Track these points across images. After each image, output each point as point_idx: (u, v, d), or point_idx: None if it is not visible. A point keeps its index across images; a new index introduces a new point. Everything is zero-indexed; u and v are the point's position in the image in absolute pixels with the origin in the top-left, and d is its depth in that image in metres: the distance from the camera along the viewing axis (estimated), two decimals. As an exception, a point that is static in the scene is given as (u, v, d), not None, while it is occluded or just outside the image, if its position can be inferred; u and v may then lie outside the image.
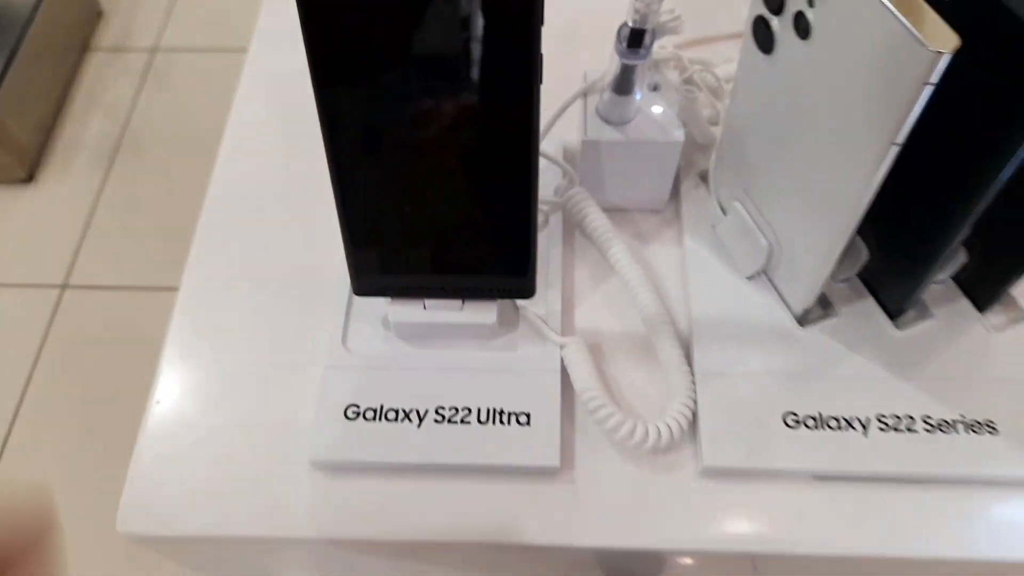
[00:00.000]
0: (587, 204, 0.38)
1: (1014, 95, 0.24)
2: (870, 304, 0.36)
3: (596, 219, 0.38)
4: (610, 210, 0.38)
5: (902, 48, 0.22)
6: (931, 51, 0.21)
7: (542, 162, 0.37)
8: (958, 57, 0.22)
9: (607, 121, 0.36)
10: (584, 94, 0.37)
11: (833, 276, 0.35)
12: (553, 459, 0.32)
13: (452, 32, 0.26)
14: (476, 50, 0.27)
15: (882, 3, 0.22)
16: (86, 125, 1.36)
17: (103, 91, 1.40)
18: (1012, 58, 0.23)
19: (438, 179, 0.31)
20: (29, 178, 1.28)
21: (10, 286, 1.20)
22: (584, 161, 0.37)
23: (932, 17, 0.22)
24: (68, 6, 1.39)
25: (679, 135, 0.36)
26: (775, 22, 0.28)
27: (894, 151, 0.25)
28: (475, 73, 0.27)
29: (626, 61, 0.32)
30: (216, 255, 0.40)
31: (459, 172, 0.31)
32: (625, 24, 0.31)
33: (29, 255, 1.22)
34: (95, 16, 1.47)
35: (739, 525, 0.32)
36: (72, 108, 1.37)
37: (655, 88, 0.36)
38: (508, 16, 0.26)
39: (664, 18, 0.31)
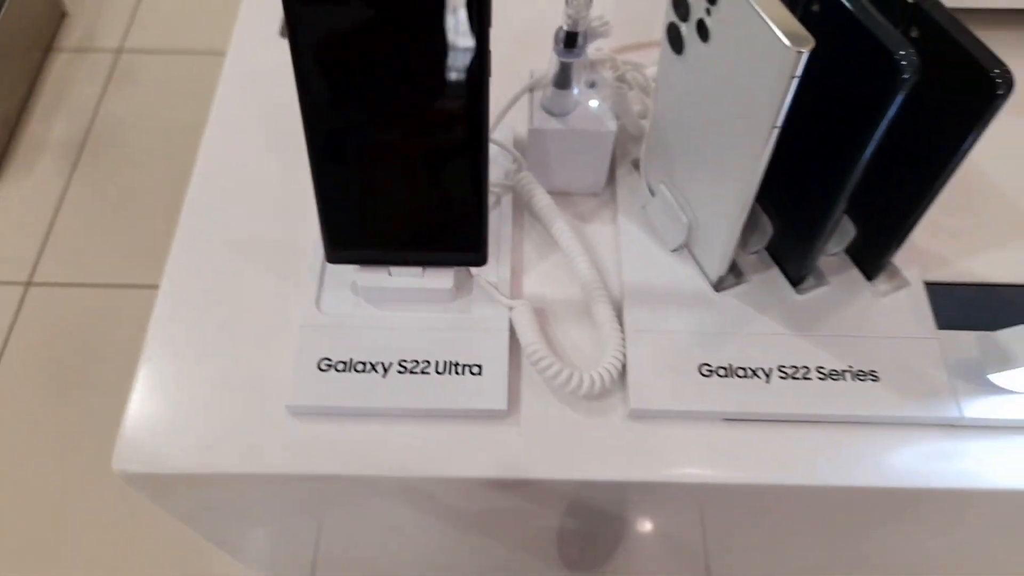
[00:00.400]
0: (533, 187, 0.43)
1: (866, 90, 0.29)
2: (775, 273, 0.41)
3: (541, 200, 0.43)
4: (554, 194, 0.43)
5: (773, 48, 0.28)
6: (793, 50, 0.27)
7: (494, 149, 0.42)
8: (824, 56, 0.28)
9: (550, 113, 0.41)
10: (530, 89, 0.42)
11: (744, 249, 0.41)
12: (501, 403, 0.37)
13: (412, 37, 0.31)
14: (433, 50, 0.31)
15: (758, 14, 0.28)
16: (50, 125, 1.37)
17: (67, 91, 1.41)
18: (863, 58, 0.29)
19: (402, 164, 0.35)
20: (-7, 176, 1.30)
21: (-26, 283, 1.21)
22: (531, 148, 0.42)
23: (795, 24, 0.27)
24: (32, 7, 1.40)
25: (612, 125, 0.41)
26: (683, 28, 0.33)
27: (775, 133, 0.30)
28: (433, 70, 0.32)
29: (563, 59, 0.38)
30: (201, 230, 0.43)
31: (420, 157, 0.35)
32: (561, 28, 0.36)
33: (-7, 252, 1.24)
34: (59, 17, 1.49)
35: (661, 459, 0.37)
36: (36, 108, 1.39)
37: (592, 85, 0.42)
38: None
39: (594, 23, 0.37)
